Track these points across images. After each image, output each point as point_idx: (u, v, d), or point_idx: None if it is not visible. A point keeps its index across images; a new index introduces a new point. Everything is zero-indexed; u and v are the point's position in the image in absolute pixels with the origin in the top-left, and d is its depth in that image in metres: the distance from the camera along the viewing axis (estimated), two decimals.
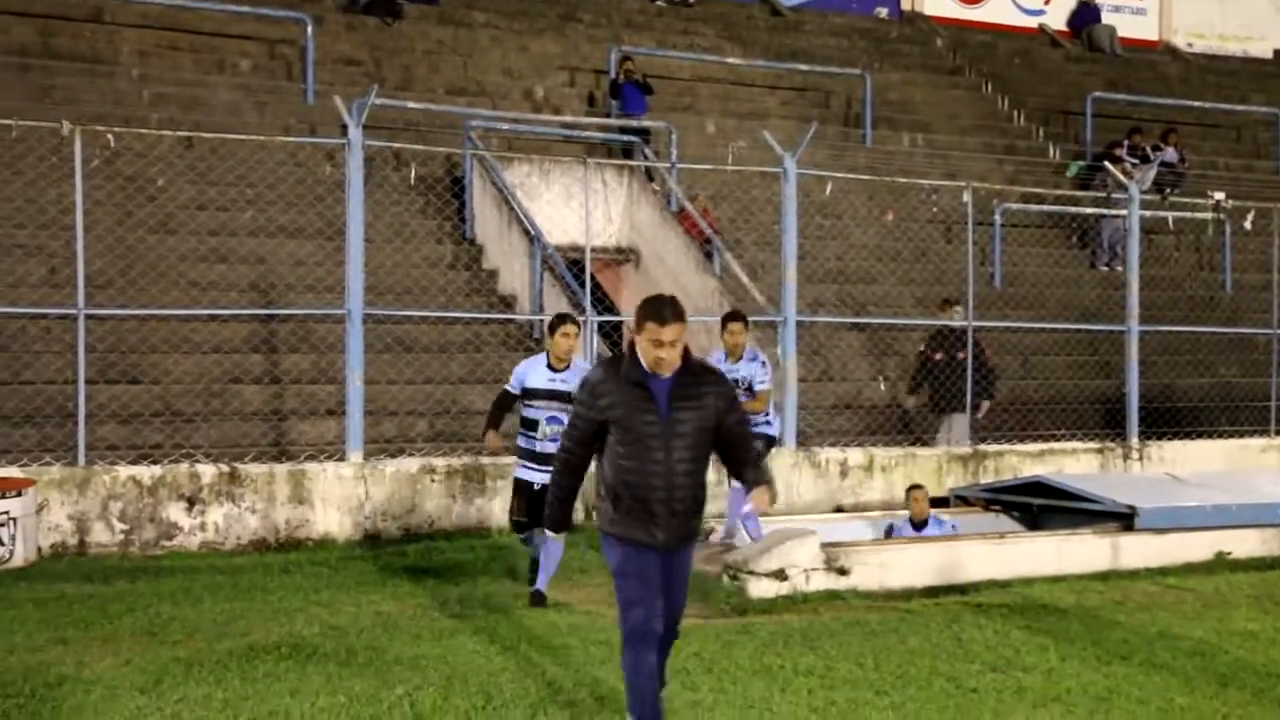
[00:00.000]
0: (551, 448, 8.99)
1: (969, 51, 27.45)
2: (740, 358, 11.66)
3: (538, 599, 9.81)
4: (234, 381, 14.07)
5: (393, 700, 7.18)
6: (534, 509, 9.52)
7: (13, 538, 10.94)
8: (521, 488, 9.81)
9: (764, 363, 11.79)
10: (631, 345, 6.33)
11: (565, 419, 8.74)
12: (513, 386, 9.86)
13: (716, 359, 11.47)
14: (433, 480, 12.78)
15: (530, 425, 9.77)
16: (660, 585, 6.32)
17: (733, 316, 11.96)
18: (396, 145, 16.83)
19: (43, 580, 10.44)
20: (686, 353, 6.30)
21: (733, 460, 6.60)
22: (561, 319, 9.88)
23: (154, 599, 9.79)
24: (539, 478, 9.39)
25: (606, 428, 6.31)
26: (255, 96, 18.76)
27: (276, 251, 15.76)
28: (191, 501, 11.92)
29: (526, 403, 9.77)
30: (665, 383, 6.24)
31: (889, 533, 12.44)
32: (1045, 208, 21.38)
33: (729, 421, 6.43)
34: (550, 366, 9.76)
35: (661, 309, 6.20)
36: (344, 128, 13.02)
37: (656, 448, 6.21)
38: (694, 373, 6.36)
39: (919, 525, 12.20)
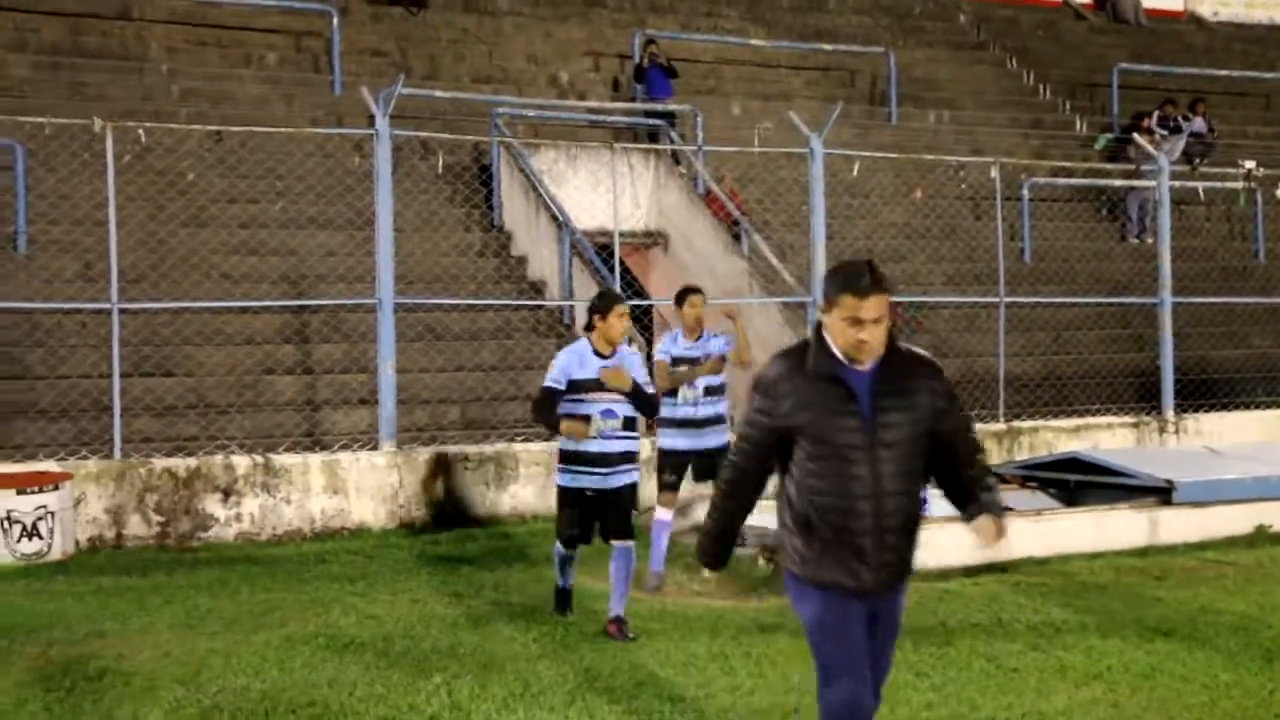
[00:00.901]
0: (607, 447, 8.40)
1: (993, 26, 27.26)
2: (700, 335, 10.42)
3: (620, 628, 8.47)
4: (267, 372, 14.11)
5: (430, 689, 7.19)
6: (588, 519, 8.59)
7: (51, 531, 11.02)
8: (570, 496, 8.56)
9: (728, 340, 10.57)
10: (818, 329, 4.95)
11: (620, 412, 8.41)
12: (557, 381, 8.44)
13: (673, 338, 10.44)
14: (466, 468, 12.80)
15: (580, 421, 8.42)
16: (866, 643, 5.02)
17: (693, 289, 10.70)
18: (424, 134, 16.85)
19: (80, 573, 10.52)
20: (890, 335, 4.91)
21: (951, 480, 5.16)
22: (611, 299, 8.66)
23: (191, 591, 9.85)
24: (592, 482, 8.44)
25: (790, 439, 4.90)
26: (282, 89, 18.79)
27: (307, 243, 15.80)
28: (227, 493, 11.98)
29: (573, 397, 8.42)
30: (866, 375, 4.86)
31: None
32: (1073, 181, 21.24)
33: (948, 427, 5.01)
34: (597, 353, 8.50)
35: (858, 277, 4.81)
36: (371, 118, 13.04)
37: (859, 461, 4.83)
38: (903, 362, 4.95)
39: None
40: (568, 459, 8.55)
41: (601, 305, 8.58)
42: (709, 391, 10.22)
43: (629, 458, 8.57)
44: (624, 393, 8.40)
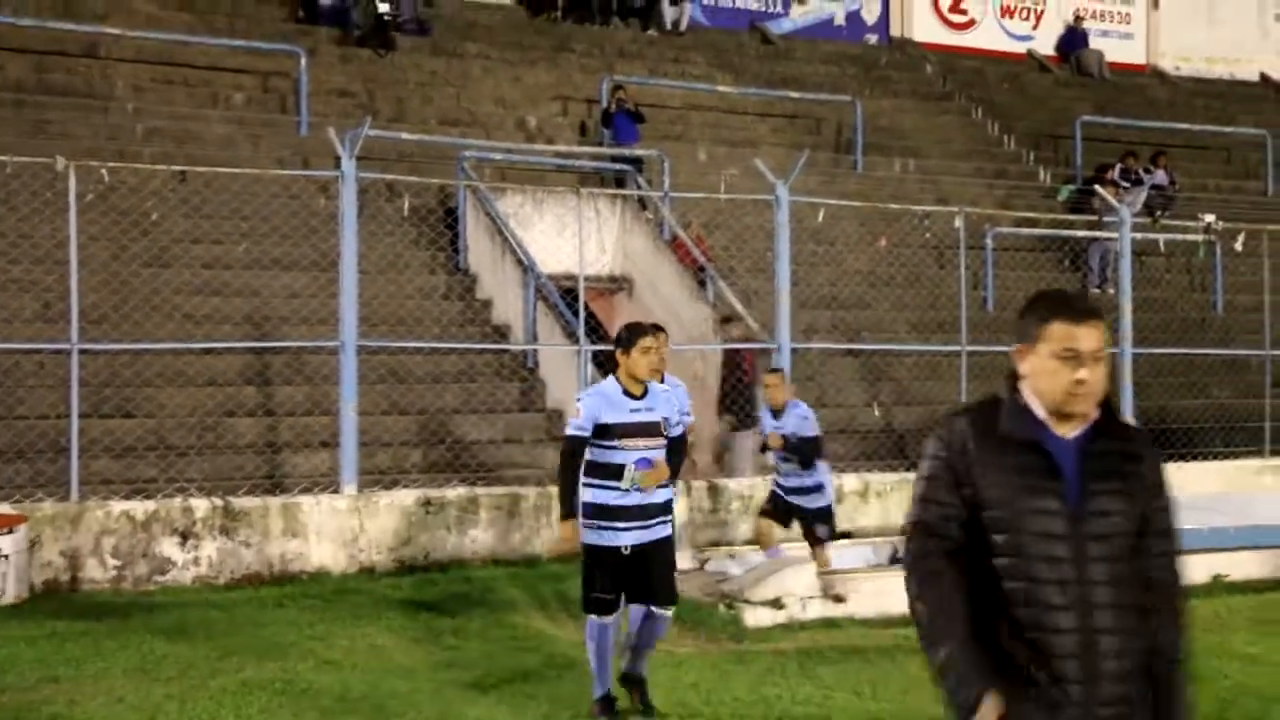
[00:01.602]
0: (647, 498, 7.50)
1: (958, 77, 27.55)
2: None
3: (641, 695, 7.76)
4: (228, 414, 14.04)
5: None
6: (622, 580, 7.57)
7: (4, 575, 10.88)
8: (603, 557, 7.53)
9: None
10: (1011, 380, 3.75)
11: (656, 459, 7.48)
12: (583, 428, 7.49)
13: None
14: (428, 512, 12.74)
15: (609, 473, 7.49)
16: None
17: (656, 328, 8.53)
18: (390, 176, 16.85)
19: (35, 618, 10.39)
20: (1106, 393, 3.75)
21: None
22: (641, 330, 7.70)
23: (147, 635, 9.74)
24: (630, 539, 7.47)
25: (980, 515, 3.64)
26: (249, 129, 18.79)
27: (270, 284, 15.76)
28: (185, 536, 11.88)
29: (603, 444, 7.48)
30: (1071, 444, 3.66)
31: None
32: (1036, 231, 21.43)
33: (1153, 529, 3.78)
34: (628, 394, 7.56)
35: (1071, 299, 3.74)
36: (337, 160, 13.04)
37: (1063, 558, 3.57)
38: (1118, 428, 3.79)
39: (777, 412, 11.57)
40: (601, 514, 7.49)
41: (627, 338, 7.61)
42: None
43: (668, 508, 7.71)
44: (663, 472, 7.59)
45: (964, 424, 3.71)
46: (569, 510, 7.50)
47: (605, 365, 15.77)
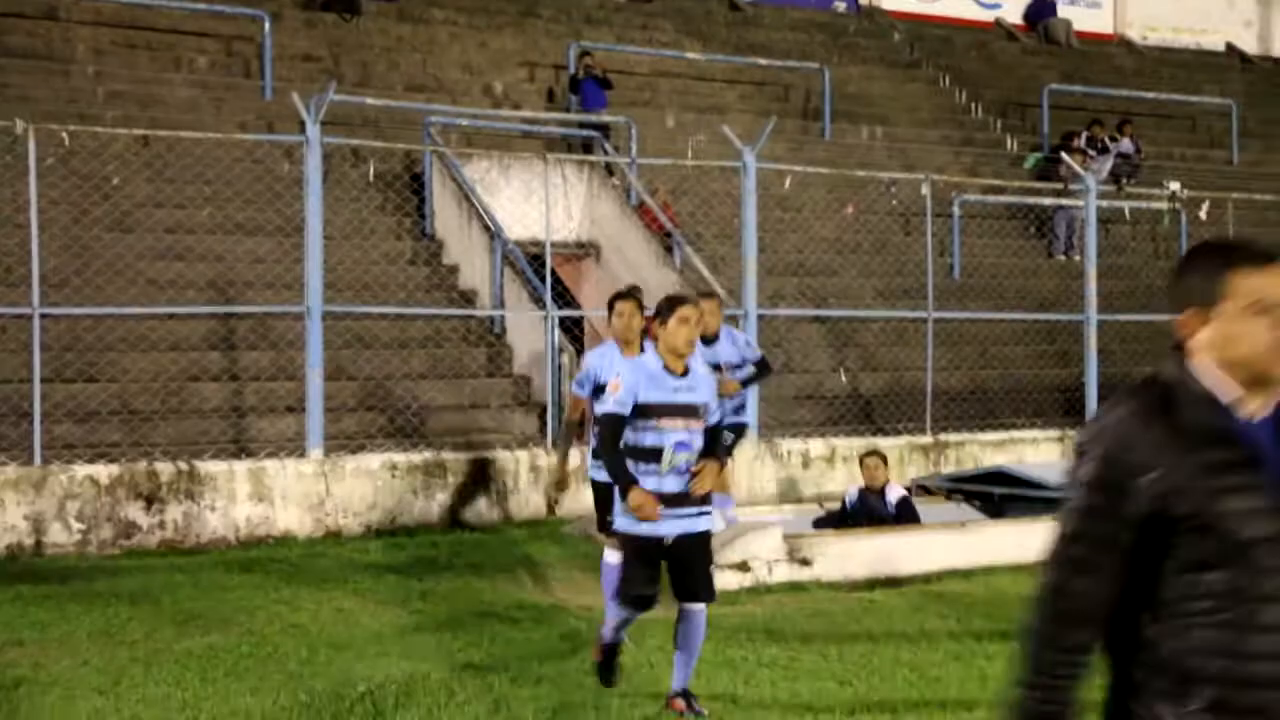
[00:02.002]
0: (683, 486, 6.86)
1: (926, 45, 27.53)
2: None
3: (689, 703, 7.10)
4: (192, 379, 13.96)
5: (355, 698, 7.14)
6: (660, 574, 7.00)
7: None
8: (643, 549, 6.92)
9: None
10: (1178, 351, 2.99)
11: (696, 444, 6.90)
12: (623, 404, 6.87)
13: (605, 350, 9.09)
14: (394, 476, 12.73)
15: (645, 456, 6.87)
16: None
17: (623, 295, 9.14)
18: (355, 142, 16.74)
19: None
20: None
21: None
22: (681, 299, 7.09)
23: (112, 599, 9.70)
24: (670, 528, 6.85)
25: (1154, 539, 2.87)
26: (212, 94, 18.62)
27: (235, 249, 15.65)
28: (150, 500, 11.83)
29: (637, 423, 6.86)
30: (1266, 425, 2.92)
31: (843, 503, 12.06)
32: (1003, 199, 21.48)
33: None
34: (668, 370, 6.92)
35: (1250, 245, 3.00)
36: (302, 125, 12.95)
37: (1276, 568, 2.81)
38: None
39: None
40: None
41: (666, 307, 6.96)
42: None
43: (708, 498, 7.12)
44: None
45: (1128, 415, 2.90)
46: (630, 478, 6.78)
47: (572, 331, 15.79)
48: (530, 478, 13.32)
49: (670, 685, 7.13)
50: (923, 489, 13.86)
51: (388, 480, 12.68)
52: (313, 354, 12.60)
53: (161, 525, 11.84)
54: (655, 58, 23.07)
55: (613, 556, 8.08)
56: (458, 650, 8.26)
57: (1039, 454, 15.64)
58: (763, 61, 23.54)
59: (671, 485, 6.84)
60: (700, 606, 7.00)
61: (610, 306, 8.97)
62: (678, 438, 6.85)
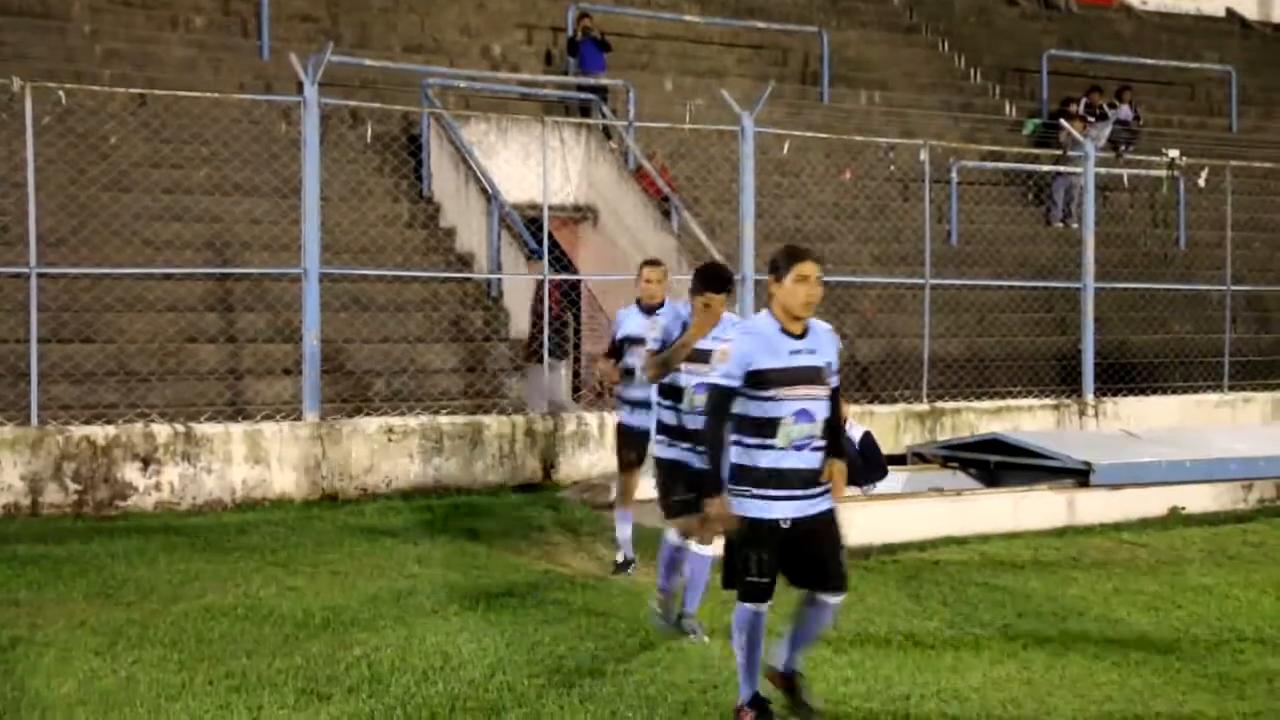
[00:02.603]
0: (806, 460, 6.15)
1: (925, 9, 27.39)
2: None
3: (797, 692, 6.48)
4: (189, 341, 13.95)
5: (350, 661, 7.16)
6: (781, 560, 6.20)
7: None
8: (761, 532, 6.12)
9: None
10: None
11: (819, 414, 6.16)
12: (732, 375, 6.11)
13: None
14: (390, 440, 12.74)
15: (763, 429, 6.12)
16: None
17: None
18: (353, 103, 16.68)
19: None
20: None
21: None
22: (799, 253, 6.29)
23: (108, 560, 9.72)
24: (791, 510, 6.11)
25: None
26: (210, 53, 18.53)
27: (232, 210, 15.61)
28: (146, 462, 11.84)
29: (754, 393, 6.10)
30: None
31: None
32: (1001, 165, 21.44)
33: None
34: (785, 332, 6.20)
35: None
36: (300, 85, 12.89)
37: None
38: None
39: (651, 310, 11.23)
40: (753, 479, 6.13)
41: (783, 263, 6.23)
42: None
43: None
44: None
45: None
46: (718, 481, 6.13)
47: (569, 294, 15.79)
48: (526, 442, 13.33)
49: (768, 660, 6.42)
50: (919, 456, 13.88)
51: (384, 444, 12.70)
52: (309, 316, 12.59)
53: (158, 487, 11.86)
54: (653, 20, 22.95)
55: (675, 536, 7.98)
56: (453, 614, 8.28)
57: (1035, 422, 15.67)
58: (761, 25, 23.44)
59: (792, 461, 6.11)
60: (833, 599, 6.27)
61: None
62: (798, 406, 6.09)
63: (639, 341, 9.19)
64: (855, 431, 9.78)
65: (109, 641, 7.52)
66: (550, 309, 14.98)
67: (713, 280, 7.75)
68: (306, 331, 12.60)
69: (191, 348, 13.85)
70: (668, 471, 8.07)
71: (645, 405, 8.86)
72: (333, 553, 10.16)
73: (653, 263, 9.72)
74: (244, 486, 12.17)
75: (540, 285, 15.05)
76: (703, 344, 7.65)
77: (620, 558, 9.65)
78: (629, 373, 9.35)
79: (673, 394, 8.03)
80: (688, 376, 7.82)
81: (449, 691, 6.66)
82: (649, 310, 9.42)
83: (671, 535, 8.02)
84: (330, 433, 12.53)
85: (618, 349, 9.49)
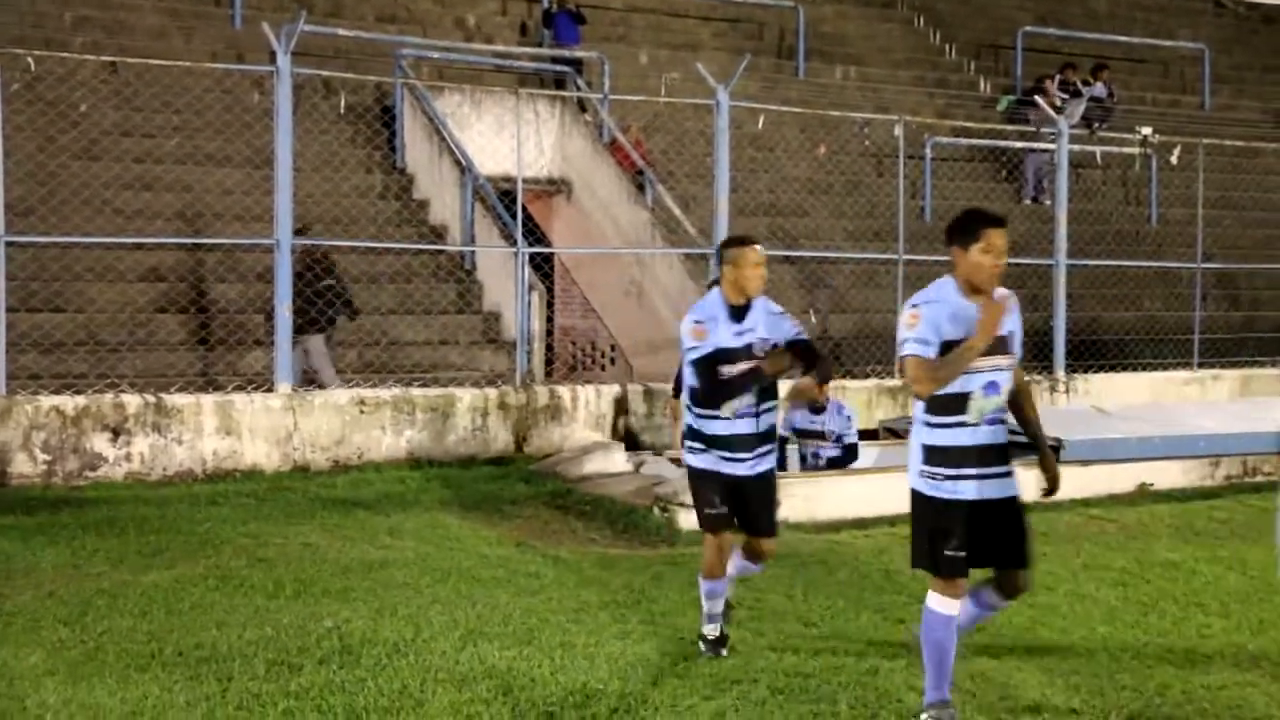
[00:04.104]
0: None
1: None
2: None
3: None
4: (160, 311, 13.88)
5: (321, 632, 7.15)
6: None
7: None
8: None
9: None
10: None
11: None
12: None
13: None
14: (362, 412, 12.71)
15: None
16: None
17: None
18: (326, 73, 16.56)
19: None
20: None
21: None
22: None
23: (78, 530, 9.68)
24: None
25: None
26: (181, 21, 18.38)
27: (204, 180, 15.52)
28: (116, 432, 11.78)
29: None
30: None
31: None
32: (975, 141, 21.46)
33: None
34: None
35: None
36: (272, 55, 12.81)
37: None
38: None
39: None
40: (943, 459, 5.81)
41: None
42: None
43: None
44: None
45: None
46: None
47: (542, 268, 15.74)
48: (499, 415, 13.31)
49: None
50: (890, 432, 13.92)
51: (356, 415, 12.67)
52: (282, 287, 12.53)
53: (128, 457, 11.80)
54: None
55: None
56: (425, 587, 8.28)
57: None
58: None
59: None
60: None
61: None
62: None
63: (738, 356, 6.83)
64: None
65: (78, 612, 7.49)
66: (317, 275, 13.71)
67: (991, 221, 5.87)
68: (279, 303, 12.55)
69: (162, 318, 13.79)
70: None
71: (747, 446, 6.91)
72: (304, 524, 10.15)
73: (753, 242, 7.11)
74: (215, 458, 12.13)
75: (309, 252, 13.69)
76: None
77: (713, 633, 7.12)
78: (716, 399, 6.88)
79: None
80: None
81: (420, 663, 6.66)
82: (739, 310, 6.92)
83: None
84: (302, 404, 12.49)
85: (712, 367, 6.82)
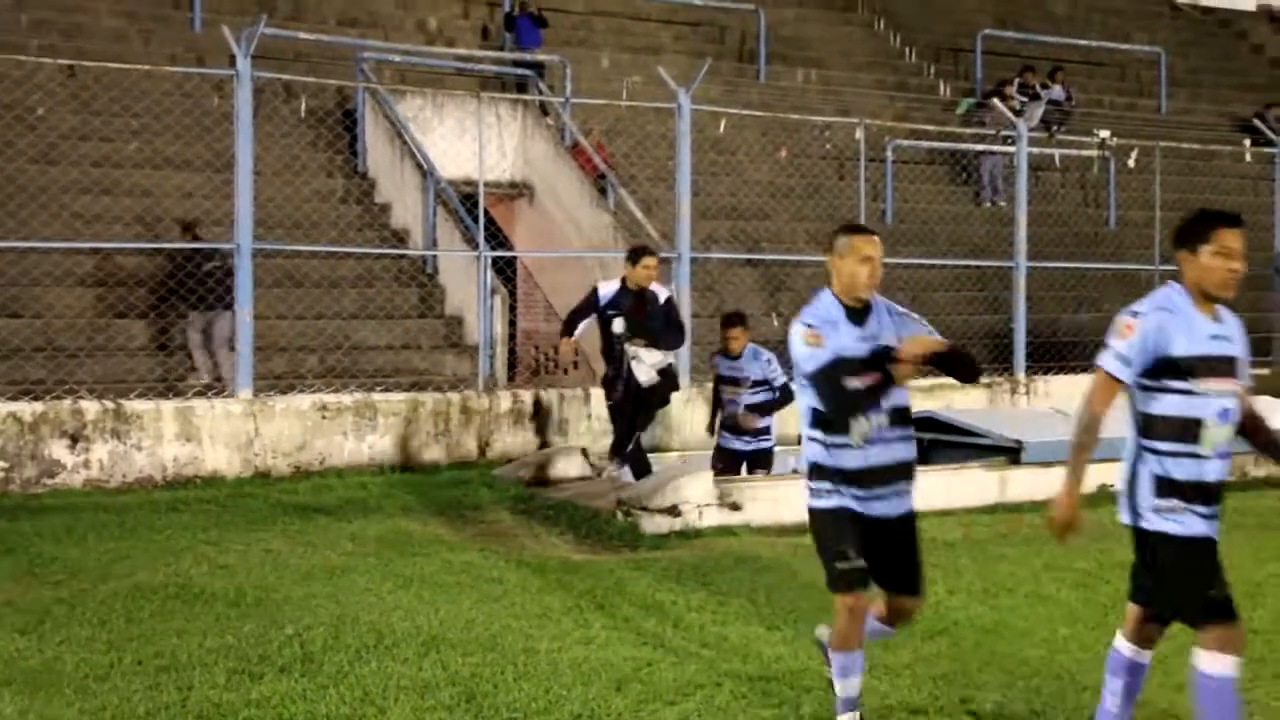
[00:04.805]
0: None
1: None
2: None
3: None
4: (119, 316, 13.78)
5: (282, 640, 7.12)
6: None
7: None
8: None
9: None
10: None
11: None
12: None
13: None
14: (324, 417, 12.65)
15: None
16: None
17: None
18: (286, 77, 16.51)
19: None
20: None
21: None
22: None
23: (35, 538, 9.60)
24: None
25: None
26: (140, 24, 18.28)
27: (163, 184, 15.43)
28: (75, 439, 11.69)
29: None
30: None
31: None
32: (934, 144, 21.57)
33: None
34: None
35: None
36: (232, 58, 12.74)
37: None
38: None
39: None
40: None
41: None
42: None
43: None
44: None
45: None
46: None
47: (504, 272, 15.69)
48: (461, 419, 13.28)
49: None
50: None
51: (317, 421, 12.61)
52: (242, 292, 12.47)
53: (87, 464, 11.72)
54: None
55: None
56: (387, 593, 8.25)
57: (967, 400, 15.78)
58: (698, 2, 23.45)
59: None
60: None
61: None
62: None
63: (865, 367, 5.84)
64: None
65: (35, 621, 7.43)
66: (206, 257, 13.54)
67: None
68: (239, 308, 12.48)
69: (121, 324, 13.69)
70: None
71: (884, 480, 6.05)
72: (265, 531, 10.09)
73: (868, 231, 5.96)
74: (175, 464, 12.05)
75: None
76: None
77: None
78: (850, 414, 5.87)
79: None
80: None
81: (382, 670, 6.63)
82: (858, 313, 5.94)
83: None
84: (263, 410, 12.43)
85: (837, 377, 5.77)
